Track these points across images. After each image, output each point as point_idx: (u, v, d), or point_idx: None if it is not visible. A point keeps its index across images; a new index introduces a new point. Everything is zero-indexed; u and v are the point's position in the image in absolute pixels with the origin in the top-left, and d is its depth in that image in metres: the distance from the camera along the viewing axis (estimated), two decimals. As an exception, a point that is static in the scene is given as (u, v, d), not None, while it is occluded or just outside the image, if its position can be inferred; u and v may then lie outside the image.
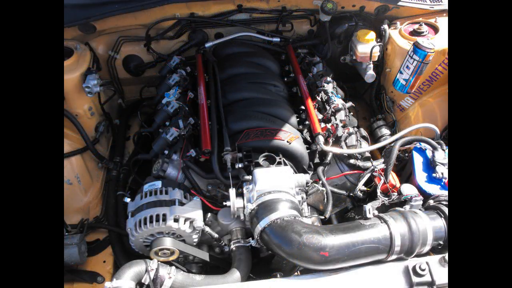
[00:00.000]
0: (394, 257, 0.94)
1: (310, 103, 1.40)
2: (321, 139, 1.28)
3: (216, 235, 1.14)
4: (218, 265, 1.20)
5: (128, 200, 1.16)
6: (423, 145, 1.28)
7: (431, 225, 0.97)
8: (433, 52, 1.34)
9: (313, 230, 0.94)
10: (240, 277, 1.04)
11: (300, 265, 0.99)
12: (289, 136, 1.25)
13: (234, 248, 1.10)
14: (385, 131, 1.60)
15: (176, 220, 1.06)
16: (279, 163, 1.17)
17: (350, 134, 1.29)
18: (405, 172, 1.34)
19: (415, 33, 1.52)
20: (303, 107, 1.45)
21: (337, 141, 1.31)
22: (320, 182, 1.19)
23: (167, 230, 1.07)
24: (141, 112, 1.54)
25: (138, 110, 1.54)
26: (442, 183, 1.19)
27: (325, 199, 1.17)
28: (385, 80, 1.63)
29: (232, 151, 1.18)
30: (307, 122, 1.40)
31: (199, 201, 1.14)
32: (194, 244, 1.14)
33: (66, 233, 1.26)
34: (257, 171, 1.10)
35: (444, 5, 1.58)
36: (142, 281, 0.98)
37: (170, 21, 1.53)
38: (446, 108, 1.51)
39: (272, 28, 1.64)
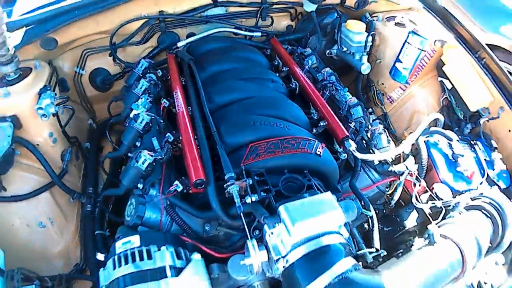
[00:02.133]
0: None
1: (322, 100, 1.13)
2: (352, 144, 1.01)
3: None
4: None
5: (101, 257, 0.84)
6: (432, 139, 1.18)
7: (487, 231, 0.86)
8: (427, 39, 1.30)
9: (389, 280, 0.70)
10: None
11: None
12: (316, 146, 0.93)
13: None
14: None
15: None
16: (310, 188, 0.86)
17: (380, 133, 1.08)
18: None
19: (399, 25, 1.44)
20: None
21: (361, 144, 1.10)
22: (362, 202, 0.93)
23: None
24: (110, 131, 1.23)
25: (106, 130, 1.24)
26: (466, 177, 1.09)
27: (370, 224, 0.92)
28: (374, 72, 1.52)
29: (237, 179, 0.84)
30: (322, 123, 1.08)
31: (200, 261, 0.79)
32: None
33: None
34: (288, 207, 0.74)
35: (414, 2, 1.53)
36: None
37: (136, 23, 1.27)
38: (432, 97, 1.45)
39: (251, 23, 1.45)
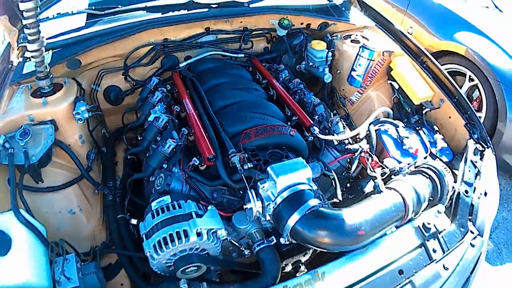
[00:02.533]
0: (407, 219, 1.10)
1: (294, 102, 1.50)
2: (316, 129, 1.35)
3: (239, 242, 1.10)
4: (239, 269, 1.16)
5: (134, 221, 1.11)
6: (383, 128, 1.51)
7: (425, 186, 1.18)
8: (375, 51, 1.66)
9: (346, 213, 0.99)
10: (275, 276, 1.01)
11: (336, 250, 1.03)
12: (290, 130, 1.27)
13: (259, 250, 1.05)
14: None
15: (199, 234, 0.98)
16: (287, 157, 1.16)
17: (337, 122, 1.45)
18: (377, 151, 1.55)
19: (354, 41, 1.78)
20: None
21: (323, 131, 1.44)
22: (326, 169, 1.25)
23: (191, 246, 0.99)
24: (126, 136, 1.54)
25: (123, 134, 1.54)
26: (412, 153, 1.41)
27: (334, 184, 1.22)
28: (335, 80, 1.86)
29: (238, 152, 1.15)
30: (294, 118, 1.45)
31: (215, 209, 1.08)
32: (218, 254, 1.08)
33: (82, 263, 1.21)
34: (274, 167, 1.04)
35: (367, 22, 1.88)
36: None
37: (145, 48, 1.57)
38: (384, 97, 1.79)
39: (235, 47, 1.78)
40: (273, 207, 1.02)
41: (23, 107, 1.27)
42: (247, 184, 1.07)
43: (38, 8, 1.15)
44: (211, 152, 1.17)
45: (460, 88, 1.82)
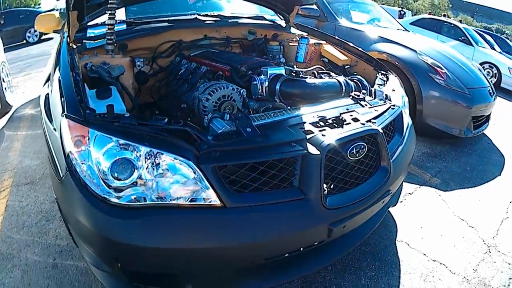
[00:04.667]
0: (343, 94, 1.80)
1: None
2: None
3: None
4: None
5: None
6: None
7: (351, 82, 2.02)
8: (308, 39, 2.60)
9: (306, 80, 1.80)
10: None
11: (303, 99, 1.71)
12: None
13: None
14: None
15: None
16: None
17: None
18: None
19: (294, 41, 2.77)
20: None
21: None
22: None
23: (227, 93, 1.66)
24: None
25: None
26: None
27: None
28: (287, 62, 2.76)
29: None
30: None
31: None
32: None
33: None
34: (267, 68, 1.80)
35: (301, 33, 2.89)
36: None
37: (166, 45, 2.32)
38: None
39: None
40: (267, 84, 1.76)
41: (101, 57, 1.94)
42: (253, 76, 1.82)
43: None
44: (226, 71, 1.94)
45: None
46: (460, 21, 11.71)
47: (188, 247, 1.12)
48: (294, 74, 1.93)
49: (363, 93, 1.87)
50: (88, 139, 1.18)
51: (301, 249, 1.24)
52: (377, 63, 2.29)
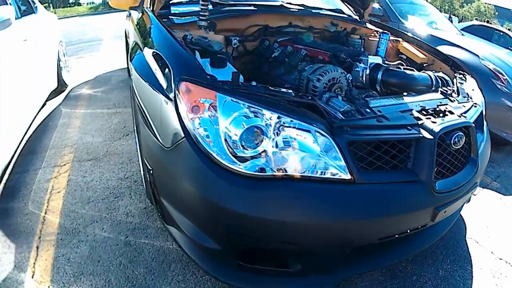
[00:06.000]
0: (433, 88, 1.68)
1: None
2: None
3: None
4: None
5: None
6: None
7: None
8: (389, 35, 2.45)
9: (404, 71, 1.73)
10: None
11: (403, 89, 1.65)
12: None
13: None
14: None
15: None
16: None
17: None
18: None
19: (373, 36, 2.61)
20: None
21: None
22: None
23: (336, 76, 1.61)
24: None
25: None
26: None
27: None
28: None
29: None
30: None
31: None
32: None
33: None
34: (366, 56, 1.83)
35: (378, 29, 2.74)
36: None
37: (252, 28, 2.23)
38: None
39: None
40: (368, 72, 1.69)
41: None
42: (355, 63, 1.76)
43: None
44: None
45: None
46: (510, 30, 11.26)
47: (311, 222, 1.08)
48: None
49: (450, 89, 1.79)
50: (214, 104, 1.09)
51: (408, 231, 1.25)
52: (454, 63, 2.19)
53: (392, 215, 1.15)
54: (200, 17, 1.89)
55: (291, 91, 1.22)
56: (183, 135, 1.11)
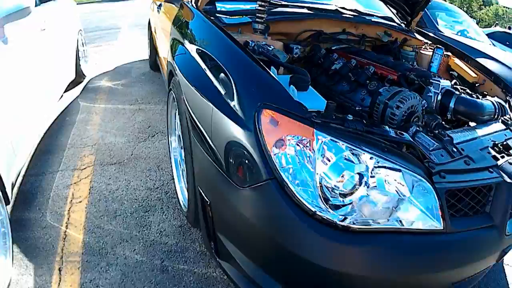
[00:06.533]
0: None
1: None
2: None
3: None
4: None
5: None
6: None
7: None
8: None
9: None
10: None
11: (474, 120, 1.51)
12: None
13: None
14: None
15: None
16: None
17: None
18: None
19: (425, 49, 2.38)
20: None
21: None
22: None
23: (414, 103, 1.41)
24: None
25: None
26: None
27: None
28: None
29: None
30: None
31: None
32: None
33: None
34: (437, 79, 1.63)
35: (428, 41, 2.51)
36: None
37: (307, 33, 2.01)
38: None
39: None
40: (437, 98, 1.53)
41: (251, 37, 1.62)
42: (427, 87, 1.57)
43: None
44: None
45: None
46: None
47: (400, 276, 1.01)
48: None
49: (508, 118, 1.63)
50: (308, 142, 0.93)
51: (477, 272, 1.23)
52: (505, 85, 2.00)
53: (473, 262, 1.13)
54: (257, 19, 1.66)
55: (387, 127, 1.10)
56: (266, 177, 0.94)
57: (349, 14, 2.20)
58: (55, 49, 2.81)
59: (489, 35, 7.86)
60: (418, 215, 0.98)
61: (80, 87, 3.67)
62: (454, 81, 1.99)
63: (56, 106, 2.88)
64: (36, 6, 2.50)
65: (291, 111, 0.94)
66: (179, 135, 1.80)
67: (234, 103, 1.05)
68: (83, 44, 3.90)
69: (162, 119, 3.00)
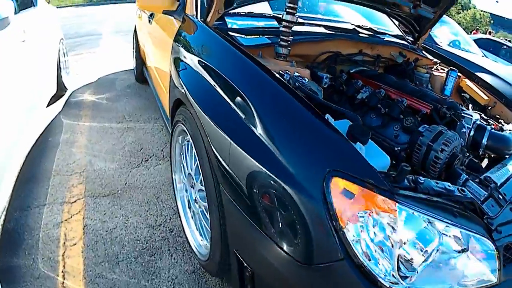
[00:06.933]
0: None
1: None
2: None
3: None
4: None
5: None
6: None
7: None
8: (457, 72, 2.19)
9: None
10: None
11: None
12: None
13: None
14: None
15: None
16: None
17: None
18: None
19: (436, 70, 2.31)
20: None
21: None
22: None
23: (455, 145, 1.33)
24: None
25: None
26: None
27: None
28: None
29: None
30: None
31: None
32: None
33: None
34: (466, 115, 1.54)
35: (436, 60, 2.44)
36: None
37: (325, 55, 1.86)
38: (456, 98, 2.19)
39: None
40: (470, 134, 1.45)
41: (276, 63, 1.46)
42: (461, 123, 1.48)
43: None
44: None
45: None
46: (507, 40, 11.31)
47: None
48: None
49: None
50: (392, 217, 0.80)
51: None
52: None
53: None
54: (281, 42, 1.48)
55: (449, 184, 0.98)
56: (340, 255, 0.80)
57: (365, 34, 2.07)
58: (36, 62, 2.51)
59: (475, 42, 8.09)
60: (481, 275, 0.90)
61: (62, 102, 3.34)
62: (481, 114, 1.90)
63: (38, 125, 2.57)
64: (15, 13, 2.22)
65: (368, 181, 0.78)
66: (189, 174, 1.59)
67: (288, 163, 0.87)
68: (64, 54, 3.56)
69: (154, 140, 2.76)
